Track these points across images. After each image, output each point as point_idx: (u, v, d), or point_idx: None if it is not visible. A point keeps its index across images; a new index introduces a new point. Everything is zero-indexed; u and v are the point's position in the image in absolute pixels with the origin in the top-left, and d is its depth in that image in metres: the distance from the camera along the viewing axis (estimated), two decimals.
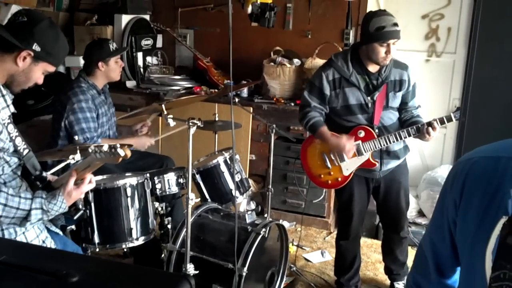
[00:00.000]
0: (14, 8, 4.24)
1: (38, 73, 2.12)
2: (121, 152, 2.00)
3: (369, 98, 2.88)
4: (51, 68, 2.15)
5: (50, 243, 2.21)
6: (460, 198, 1.08)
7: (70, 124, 3.19)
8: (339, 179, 3.00)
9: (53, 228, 2.35)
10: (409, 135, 2.86)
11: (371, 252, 3.88)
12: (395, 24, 2.74)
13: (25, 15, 2.08)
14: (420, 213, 4.17)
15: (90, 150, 2.05)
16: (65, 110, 3.20)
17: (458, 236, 1.10)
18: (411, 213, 4.02)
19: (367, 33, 2.77)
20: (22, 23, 2.06)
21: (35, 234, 2.14)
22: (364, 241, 3.88)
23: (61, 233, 2.40)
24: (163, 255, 2.98)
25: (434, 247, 1.21)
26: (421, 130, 2.82)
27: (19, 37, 2.03)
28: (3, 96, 2.05)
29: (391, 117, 2.96)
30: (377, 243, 3.82)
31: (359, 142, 2.91)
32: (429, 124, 2.81)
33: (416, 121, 2.92)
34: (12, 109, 2.09)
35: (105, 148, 2.01)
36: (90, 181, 2.18)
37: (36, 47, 2.05)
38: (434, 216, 1.21)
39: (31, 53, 2.06)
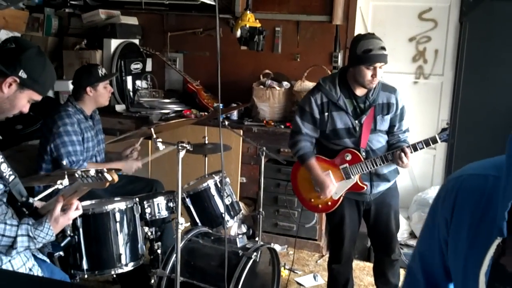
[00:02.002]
0: (3, 33, 4.24)
1: (23, 100, 2.10)
2: (108, 176, 1.97)
3: (356, 121, 2.88)
4: (37, 97, 2.13)
5: (37, 271, 2.17)
6: (451, 216, 1.07)
7: (56, 147, 3.18)
8: (329, 203, 2.99)
9: (40, 256, 2.31)
10: (387, 160, 2.87)
11: (363, 275, 3.84)
12: (383, 48, 2.76)
13: (14, 42, 2.08)
14: (412, 235, 4.15)
15: (77, 175, 2.02)
16: (51, 134, 3.19)
17: (450, 255, 1.08)
18: (402, 235, 4.00)
19: (355, 55, 2.79)
20: (9, 49, 2.05)
21: (21, 262, 2.10)
22: (357, 264, 3.85)
23: (48, 260, 2.35)
24: (152, 281, 2.93)
25: (424, 265, 1.18)
26: (394, 155, 2.83)
27: (5, 63, 2.02)
28: None
29: (380, 140, 2.96)
30: (370, 266, 3.78)
31: (346, 165, 2.91)
32: (402, 149, 2.81)
33: (401, 146, 2.91)
34: None
35: (92, 173, 1.98)
36: (77, 208, 2.15)
37: (22, 74, 2.03)
38: (423, 235, 1.19)
39: (17, 80, 2.04)
